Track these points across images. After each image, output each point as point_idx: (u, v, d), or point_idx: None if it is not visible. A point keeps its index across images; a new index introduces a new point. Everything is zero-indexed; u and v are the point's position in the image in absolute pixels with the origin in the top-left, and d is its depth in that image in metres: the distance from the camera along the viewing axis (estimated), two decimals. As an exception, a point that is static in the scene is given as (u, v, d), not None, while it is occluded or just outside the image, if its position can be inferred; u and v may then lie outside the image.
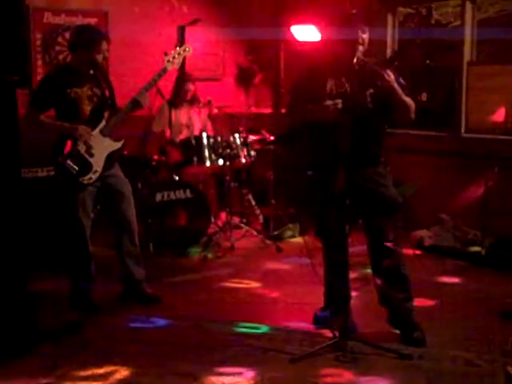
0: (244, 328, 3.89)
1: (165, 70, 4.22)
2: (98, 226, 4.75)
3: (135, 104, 4.14)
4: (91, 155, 4.08)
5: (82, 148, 4.06)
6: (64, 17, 6.10)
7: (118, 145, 4.21)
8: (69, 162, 4.03)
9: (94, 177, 4.09)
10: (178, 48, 4.28)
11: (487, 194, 5.16)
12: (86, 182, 4.06)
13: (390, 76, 3.42)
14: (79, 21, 6.08)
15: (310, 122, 3.59)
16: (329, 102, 3.45)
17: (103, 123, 4.12)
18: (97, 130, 4.10)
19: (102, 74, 4.22)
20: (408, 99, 3.52)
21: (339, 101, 3.43)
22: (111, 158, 4.17)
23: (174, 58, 4.24)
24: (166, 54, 4.26)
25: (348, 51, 3.53)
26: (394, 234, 3.63)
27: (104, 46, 4.08)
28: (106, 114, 4.15)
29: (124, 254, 4.30)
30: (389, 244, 3.61)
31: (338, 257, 3.65)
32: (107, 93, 4.16)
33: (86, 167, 4.06)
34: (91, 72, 4.13)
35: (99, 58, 4.08)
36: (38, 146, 5.10)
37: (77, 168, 4.04)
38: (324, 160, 3.54)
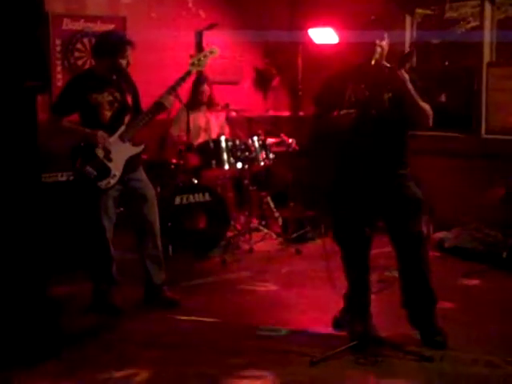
0: (264, 331, 3.89)
1: (189, 73, 4.24)
2: (120, 229, 4.77)
3: (159, 106, 4.16)
4: (110, 160, 4.11)
5: (100, 153, 4.09)
6: (83, 23, 6.16)
7: (138, 149, 4.23)
8: (88, 167, 4.07)
9: (113, 181, 4.11)
10: (204, 50, 4.29)
11: (508, 196, 5.11)
12: (104, 186, 4.09)
13: (404, 75, 3.39)
14: (97, 27, 6.14)
15: (331, 132, 3.59)
16: (343, 112, 3.45)
17: (123, 128, 4.15)
18: (116, 135, 4.13)
19: (126, 80, 4.24)
20: (424, 104, 3.46)
21: (353, 110, 3.42)
22: (131, 163, 4.19)
23: (199, 60, 4.25)
24: (191, 56, 4.27)
25: (366, 58, 3.52)
26: (419, 234, 3.61)
27: (128, 51, 4.11)
28: (127, 119, 4.18)
29: (146, 257, 4.32)
30: (414, 246, 3.60)
31: (359, 261, 3.64)
32: (128, 98, 4.19)
33: (105, 172, 4.09)
34: (114, 77, 4.16)
35: (123, 63, 4.11)
36: (59, 151, 5.16)
37: (95, 173, 4.07)
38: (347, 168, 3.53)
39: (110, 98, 4.13)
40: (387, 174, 3.53)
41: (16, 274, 3.50)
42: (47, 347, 3.51)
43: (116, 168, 4.13)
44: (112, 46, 4.08)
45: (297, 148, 5.95)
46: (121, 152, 4.14)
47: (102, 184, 4.09)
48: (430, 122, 3.51)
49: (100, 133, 4.08)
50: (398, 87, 3.42)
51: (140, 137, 4.26)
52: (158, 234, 4.35)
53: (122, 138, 4.15)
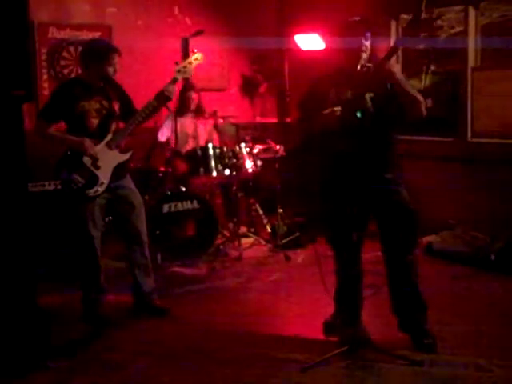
0: (254, 337, 3.88)
1: (175, 80, 4.22)
2: (108, 238, 4.75)
3: (160, 98, 4.11)
4: (97, 168, 4.10)
5: (87, 161, 4.08)
6: (69, 31, 6.14)
7: (125, 156, 4.22)
8: (75, 175, 4.05)
9: (101, 189, 4.10)
10: (189, 57, 4.27)
11: (495, 199, 5.14)
12: (92, 194, 4.07)
13: (393, 67, 3.40)
14: (83, 35, 6.13)
15: (316, 133, 3.59)
16: (327, 111, 3.46)
17: (110, 136, 4.14)
18: (103, 143, 4.12)
19: (113, 87, 4.23)
20: (415, 92, 3.48)
21: (338, 108, 3.43)
22: (119, 170, 4.18)
23: (184, 67, 4.24)
24: (176, 63, 4.27)
25: (351, 60, 3.54)
26: (409, 242, 3.62)
27: (115, 58, 4.11)
28: (113, 127, 4.16)
29: (134, 266, 4.30)
30: (404, 253, 3.60)
31: (350, 265, 3.64)
32: (116, 106, 4.18)
33: (93, 180, 4.08)
34: (101, 85, 4.15)
35: (110, 70, 4.11)
36: (45, 161, 5.13)
37: (83, 181, 4.05)
38: (335, 169, 3.54)
39: (98, 105, 4.12)
40: (373, 177, 3.52)
41: (4, 284, 3.48)
42: (35, 357, 3.48)
43: (104, 176, 4.11)
44: (99, 53, 4.07)
45: (284, 154, 5.96)
46: (108, 159, 4.13)
47: (90, 192, 4.07)
48: (424, 110, 3.49)
49: (87, 141, 4.06)
50: (384, 82, 3.41)
51: (127, 144, 4.25)
52: (146, 242, 4.34)
53: (109, 146, 4.13)
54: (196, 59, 4.30)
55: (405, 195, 3.60)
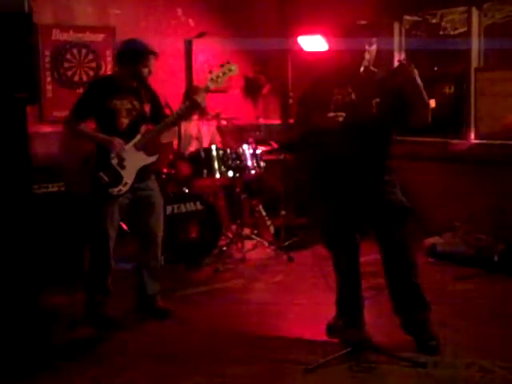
0: (257, 339, 3.88)
1: (207, 89, 4.17)
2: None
3: (193, 105, 4.10)
4: (123, 168, 4.10)
5: (114, 160, 4.08)
6: (72, 33, 6.15)
7: (152, 159, 4.22)
8: (101, 173, 4.05)
9: (124, 189, 4.10)
10: (223, 67, 4.21)
11: (498, 200, 5.14)
12: (115, 193, 4.08)
13: (414, 70, 3.41)
14: (87, 37, 6.14)
15: (316, 133, 3.59)
16: (331, 114, 3.46)
17: (138, 137, 4.14)
18: (131, 144, 4.12)
19: (146, 89, 4.24)
20: (427, 98, 3.50)
21: (342, 113, 3.43)
22: (143, 172, 4.18)
23: (217, 77, 4.19)
24: (210, 72, 4.21)
25: (355, 61, 3.54)
26: (406, 242, 3.62)
27: (151, 60, 4.11)
28: (143, 128, 4.16)
29: (143, 267, 4.30)
30: (402, 253, 3.60)
31: (349, 267, 3.64)
32: (146, 107, 4.18)
33: (117, 179, 4.08)
34: (134, 85, 4.15)
35: (145, 71, 4.12)
36: (50, 163, 5.17)
37: (107, 179, 4.06)
38: (332, 168, 3.53)
39: (129, 105, 4.13)
40: (373, 180, 3.54)
41: (7, 286, 3.49)
42: (38, 359, 3.49)
43: (128, 176, 4.11)
44: (135, 53, 4.09)
45: (288, 157, 5.95)
46: (134, 160, 4.13)
47: (114, 191, 4.07)
48: (430, 116, 3.53)
49: (116, 139, 4.07)
50: (404, 80, 3.42)
51: (155, 147, 4.24)
52: (160, 245, 4.34)
53: (136, 147, 4.14)
54: (230, 70, 4.24)
55: (399, 195, 3.62)
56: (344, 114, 3.42)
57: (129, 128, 4.13)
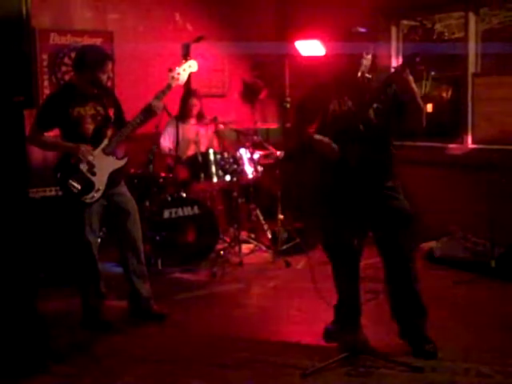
0: (254, 343, 3.88)
1: (169, 87, 4.22)
2: (109, 244, 4.76)
3: (148, 111, 4.12)
4: (93, 174, 4.09)
5: (84, 167, 4.07)
6: (70, 37, 6.15)
7: (121, 163, 4.22)
8: (71, 181, 4.04)
9: (97, 195, 4.09)
10: (182, 64, 4.27)
11: (495, 205, 5.14)
12: (88, 200, 4.07)
13: (409, 76, 3.41)
14: (85, 41, 6.13)
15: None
16: (327, 140, 3.46)
17: (106, 142, 4.14)
18: (99, 149, 4.11)
19: (107, 94, 4.24)
20: (422, 102, 3.50)
21: (335, 146, 3.45)
22: (115, 176, 4.18)
23: (178, 74, 4.24)
24: (170, 70, 4.26)
25: (352, 68, 3.53)
26: (408, 248, 3.62)
27: (109, 65, 4.11)
28: (109, 133, 4.16)
29: (130, 272, 4.30)
30: (404, 260, 3.60)
31: (349, 273, 3.64)
32: (111, 112, 4.18)
33: (89, 186, 4.07)
34: (95, 91, 4.15)
35: (104, 77, 4.11)
36: (46, 166, 5.15)
37: (79, 187, 4.05)
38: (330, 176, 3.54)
39: (93, 111, 4.12)
40: (374, 186, 3.54)
41: (4, 289, 3.48)
42: (35, 362, 3.48)
43: (100, 182, 4.10)
44: (92, 60, 4.07)
45: (290, 167, 5.95)
46: (104, 166, 4.12)
47: (87, 198, 4.07)
48: (424, 121, 3.53)
49: (83, 146, 4.06)
50: (399, 86, 3.42)
51: (123, 150, 4.25)
52: (142, 248, 4.33)
53: (105, 152, 4.13)
54: (190, 66, 4.29)
55: (403, 201, 3.61)
56: (338, 147, 3.44)
57: (95, 134, 4.12)
